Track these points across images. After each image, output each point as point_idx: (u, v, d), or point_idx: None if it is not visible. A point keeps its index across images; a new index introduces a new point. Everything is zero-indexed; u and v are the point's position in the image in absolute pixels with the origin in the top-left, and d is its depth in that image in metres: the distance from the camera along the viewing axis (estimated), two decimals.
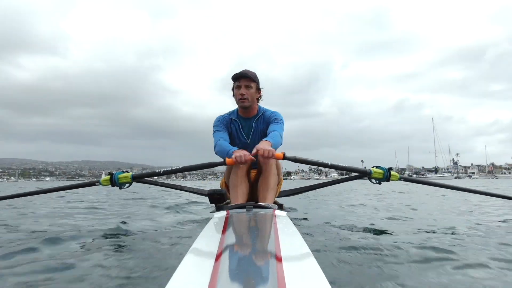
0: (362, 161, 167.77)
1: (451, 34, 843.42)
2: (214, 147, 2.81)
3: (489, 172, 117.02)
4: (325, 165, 2.73)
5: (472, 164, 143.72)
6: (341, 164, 2.78)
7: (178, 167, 2.69)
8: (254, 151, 2.43)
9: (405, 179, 2.94)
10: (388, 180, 2.74)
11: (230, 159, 2.47)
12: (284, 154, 2.51)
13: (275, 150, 2.55)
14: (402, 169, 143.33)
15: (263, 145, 2.46)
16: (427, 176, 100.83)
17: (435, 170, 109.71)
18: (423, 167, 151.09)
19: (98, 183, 2.74)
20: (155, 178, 3.20)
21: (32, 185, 28.90)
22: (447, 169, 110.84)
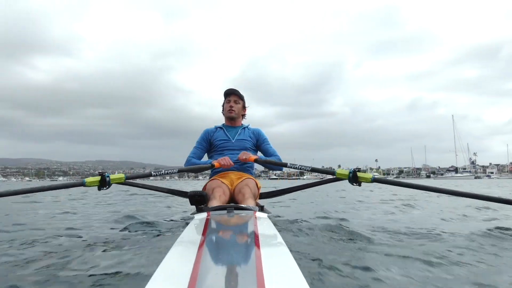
0: (376, 160, 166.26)
1: (465, 32, 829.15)
2: (186, 162, 3.26)
3: (510, 171, 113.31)
4: (284, 165, 3.01)
5: (490, 164, 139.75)
6: (300, 164, 2.93)
7: (173, 171, 2.88)
8: (235, 158, 2.93)
9: (379, 181, 2.81)
10: (356, 181, 2.69)
11: (217, 162, 2.91)
12: (256, 159, 2.92)
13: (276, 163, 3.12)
14: (418, 168, 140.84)
15: (245, 154, 2.98)
16: (446, 176, 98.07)
17: (455, 170, 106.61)
18: (439, 167, 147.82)
19: (81, 185, 2.64)
20: (138, 180, 3.23)
21: (45, 184, 30.00)
22: (465, 168, 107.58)
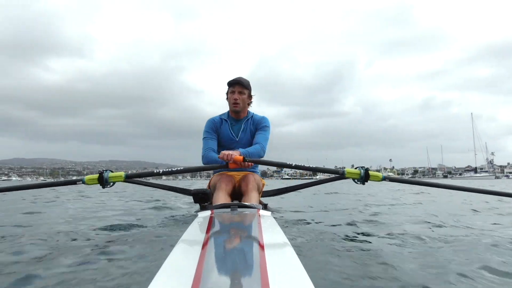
0: (390, 160, 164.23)
1: (478, 30, 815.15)
2: (202, 157, 3.08)
3: None
4: (289, 166, 2.80)
5: (508, 163, 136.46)
6: (307, 165, 2.85)
7: (179, 168, 2.76)
8: (220, 155, 2.68)
9: (390, 179, 2.81)
10: (367, 180, 2.65)
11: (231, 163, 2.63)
12: (244, 158, 2.63)
13: (259, 158, 2.97)
14: (433, 168, 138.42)
15: (230, 152, 2.71)
16: (465, 176, 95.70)
17: (475, 170, 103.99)
18: (454, 167, 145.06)
19: (81, 182, 2.69)
20: (142, 178, 3.14)
21: None
22: (482, 168, 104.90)
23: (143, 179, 3.29)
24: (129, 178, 2.68)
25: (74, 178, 2.89)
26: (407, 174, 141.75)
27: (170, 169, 2.76)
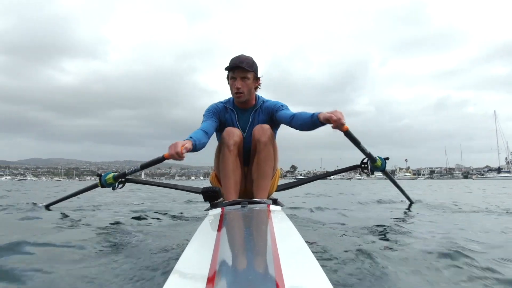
0: (406, 160, 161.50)
1: (494, 28, 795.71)
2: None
3: None
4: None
5: None
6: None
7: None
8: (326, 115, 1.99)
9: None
10: (384, 169, 2.86)
11: (167, 153, 2.05)
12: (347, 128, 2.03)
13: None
14: (451, 168, 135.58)
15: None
16: (487, 176, 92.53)
17: (498, 170, 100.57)
18: (471, 167, 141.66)
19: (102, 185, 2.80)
20: (148, 178, 3.52)
21: (74, 184, 30.80)
22: (502, 168, 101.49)
23: (155, 180, 3.33)
24: (119, 179, 2.78)
25: (94, 182, 3.08)
26: (423, 175, 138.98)
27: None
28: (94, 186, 3.13)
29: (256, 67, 2.52)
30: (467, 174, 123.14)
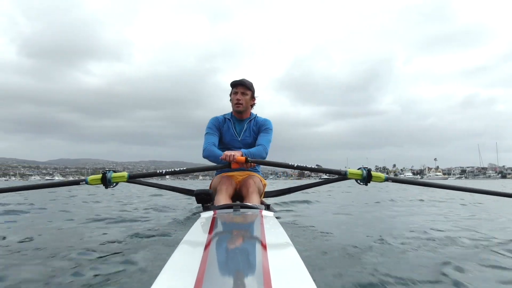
0: (435, 159, 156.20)
1: None
2: (203, 150, 3.08)
3: None
4: (291, 167, 2.78)
5: None
6: (309, 166, 2.77)
7: (182, 169, 2.76)
8: (222, 156, 2.69)
9: (393, 180, 2.83)
10: (369, 181, 2.67)
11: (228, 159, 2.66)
12: (246, 158, 2.64)
13: (262, 159, 2.98)
14: (483, 168, 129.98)
15: (232, 152, 2.73)
16: None
17: None
18: (504, 166, 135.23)
19: (84, 182, 2.67)
20: (146, 178, 3.21)
21: None
22: None
23: (146, 180, 3.33)
24: (132, 179, 2.69)
25: (77, 178, 2.91)
26: (454, 174, 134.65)
27: (173, 169, 2.72)
28: (75, 183, 2.88)
29: (254, 89, 3.25)
30: (505, 174, 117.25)
